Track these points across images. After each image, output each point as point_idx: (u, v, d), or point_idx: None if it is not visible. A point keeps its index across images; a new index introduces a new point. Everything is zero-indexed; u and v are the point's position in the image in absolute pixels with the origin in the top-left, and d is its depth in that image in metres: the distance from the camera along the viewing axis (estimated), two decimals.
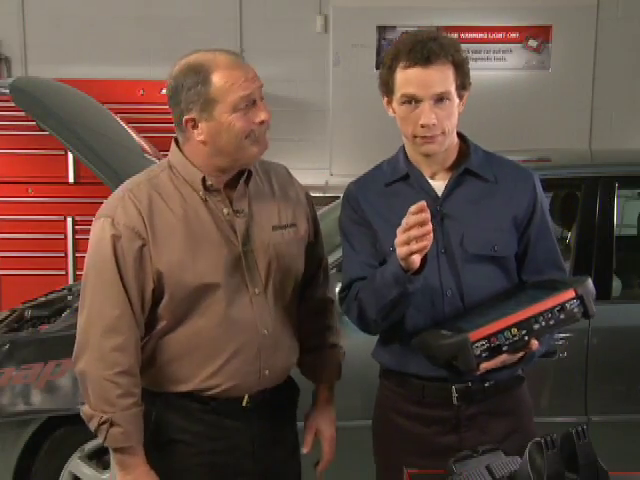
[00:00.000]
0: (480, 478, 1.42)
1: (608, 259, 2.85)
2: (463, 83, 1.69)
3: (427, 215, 1.50)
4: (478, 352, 1.58)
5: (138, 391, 1.63)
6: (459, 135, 1.79)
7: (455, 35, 7.02)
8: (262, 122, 1.61)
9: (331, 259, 2.62)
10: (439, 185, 1.75)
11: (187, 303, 1.63)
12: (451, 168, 1.76)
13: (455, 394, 1.73)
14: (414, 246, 1.50)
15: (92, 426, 1.62)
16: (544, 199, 1.81)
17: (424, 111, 1.64)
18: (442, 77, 1.64)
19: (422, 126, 1.65)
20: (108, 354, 1.58)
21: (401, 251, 1.53)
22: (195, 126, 1.61)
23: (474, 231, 1.72)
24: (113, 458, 1.71)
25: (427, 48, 1.62)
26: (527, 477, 1.33)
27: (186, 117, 1.61)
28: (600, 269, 2.83)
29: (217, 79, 1.57)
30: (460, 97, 1.70)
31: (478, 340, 1.58)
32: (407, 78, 1.65)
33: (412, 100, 1.66)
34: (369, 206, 1.79)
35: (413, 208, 1.51)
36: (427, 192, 1.74)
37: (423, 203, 1.50)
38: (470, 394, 1.73)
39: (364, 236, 1.79)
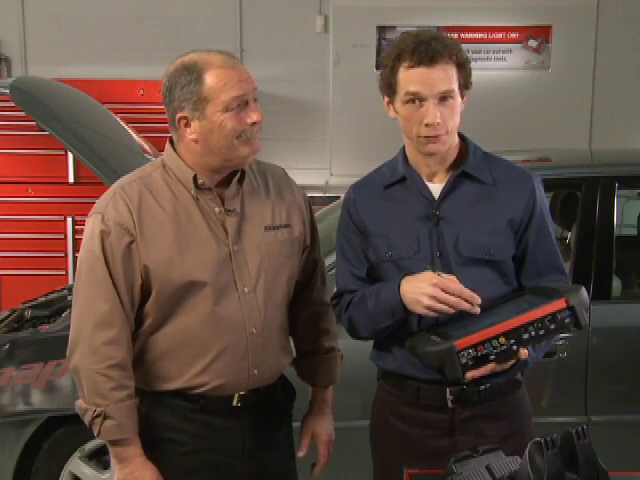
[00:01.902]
0: (480, 478, 1.42)
1: (608, 259, 2.84)
2: (466, 82, 1.69)
3: (469, 307, 1.59)
4: (464, 360, 1.57)
5: (131, 384, 1.64)
6: (460, 135, 1.78)
7: (455, 35, 7.03)
8: (254, 123, 1.62)
9: (331, 259, 2.62)
10: (437, 187, 1.75)
11: (174, 300, 1.64)
12: (450, 169, 1.75)
13: (450, 396, 1.73)
14: (432, 314, 1.61)
15: (86, 419, 1.63)
16: (544, 202, 1.79)
17: (429, 110, 1.64)
18: (446, 76, 1.63)
19: (427, 125, 1.65)
20: (99, 348, 1.60)
21: (419, 310, 1.62)
22: (187, 124, 1.63)
23: (469, 234, 1.71)
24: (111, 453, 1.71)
25: (431, 48, 1.62)
26: (527, 477, 1.32)
27: (179, 115, 1.62)
28: (600, 269, 2.82)
29: (210, 78, 1.59)
30: (462, 96, 1.70)
31: (465, 348, 1.57)
32: (411, 78, 1.65)
33: (416, 99, 1.65)
34: (366, 211, 1.79)
35: (467, 293, 1.57)
36: (424, 195, 1.74)
37: (478, 300, 1.59)
38: (465, 397, 1.73)
39: (356, 243, 1.81)
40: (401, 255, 1.73)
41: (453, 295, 1.58)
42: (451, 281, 1.60)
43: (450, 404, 1.73)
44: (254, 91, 1.63)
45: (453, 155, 1.75)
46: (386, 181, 1.79)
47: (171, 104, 1.63)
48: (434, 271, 1.66)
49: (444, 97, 1.64)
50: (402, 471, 1.58)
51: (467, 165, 1.73)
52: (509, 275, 1.76)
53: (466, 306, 1.58)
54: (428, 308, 1.59)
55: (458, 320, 1.67)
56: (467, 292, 1.59)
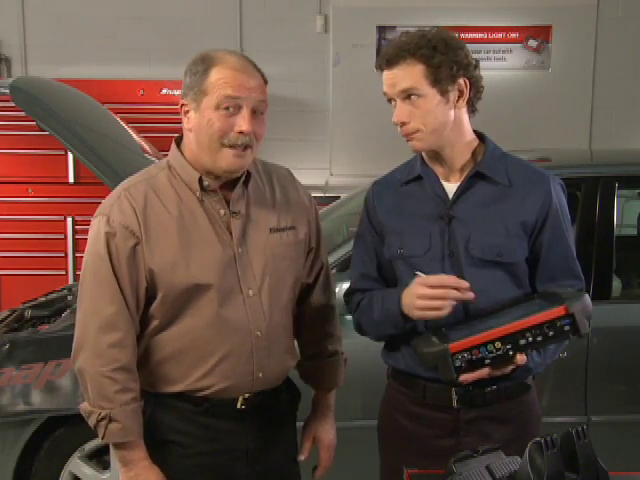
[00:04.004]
0: (480, 478, 1.41)
1: (608, 259, 2.84)
2: (437, 79, 1.65)
3: (454, 293, 1.58)
4: (459, 363, 1.57)
5: (136, 386, 1.63)
6: (478, 135, 1.78)
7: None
8: (240, 132, 1.58)
9: (331, 259, 2.63)
10: (452, 187, 1.74)
11: (179, 303, 1.63)
12: (466, 169, 1.74)
13: (455, 396, 1.73)
14: (430, 314, 1.60)
15: (91, 422, 1.62)
16: (563, 205, 1.76)
17: (396, 109, 1.69)
18: (405, 74, 1.65)
19: (395, 124, 1.69)
20: (105, 350, 1.59)
21: (416, 314, 1.63)
22: (187, 113, 1.63)
23: (480, 235, 1.70)
24: (114, 456, 1.71)
25: (392, 50, 1.67)
26: (527, 477, 1.32)
27: (181, 101, 1.64)
28: (600, 269, 2.82)
29: (214, 73, 1.58)
30: (443, 93, 1.67)
31: (459, 352, 1.57)
32: (384, 80, 1.70)
33: (391, 100, 1.70)
34: (383, 208, 1.81)
35: (450, 281, 1.59)
36: (438, 194, 1.74)
37: (464, 284, 1.59)
38: (470, 398, 1.72)
39: (370, 241, 1.83)
40: (412, 253, 1.73)
41: (439, 288, 1.59)
42: (432, 276, 1.61)
43: (455, 404, 1.73)
44: (257, 102, 1.60)
45: (463, 156, 1.74)
46: (404, 178, 1.81)
47: (182, 89, 1.65)
48: (443, 270, 1.69)
49: (408, 96, 1.66)
50: (411, 467, 1.58)
51: (482, 165, 1.72)
52: (522, 278, 1.74)
53: (455, 294, 1.59)
54: (422, 308, 1.60)
55: (464, 322, 1.67)
56: (450, 279, 1.59)
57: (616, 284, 2.96)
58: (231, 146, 1.59)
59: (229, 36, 6.43)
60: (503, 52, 6.60)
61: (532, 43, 6.60)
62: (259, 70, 1.64)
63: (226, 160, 1.60)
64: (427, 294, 1.59)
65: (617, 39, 6.53)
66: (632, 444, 2.79)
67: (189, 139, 1.66)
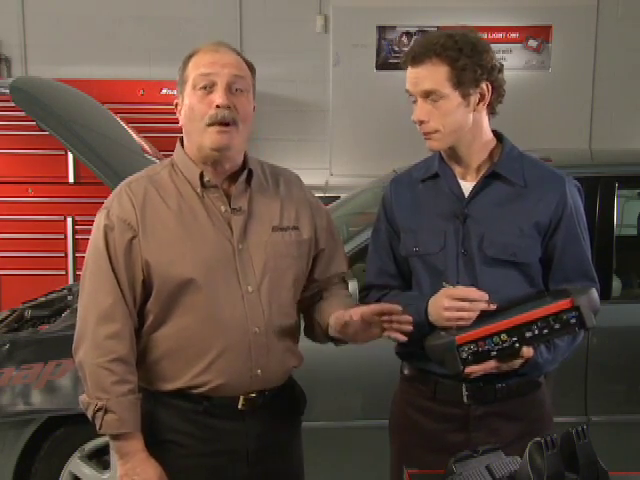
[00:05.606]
0: (480, 478, 1.41)
1: (608, 259, 2.84)
2: (460, 81, 1.67)
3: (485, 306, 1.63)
4: (465, 355, 1.59)
5: (134, 379, 1.64)
6: (496, 134, 1.79)
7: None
8: (217, 106, 1.59)
9: None
10: (468, 186, 1.75)
11: (174, 298, 1.63)
12: (483, 168, 1.76)
13: (465, 392, 1.73)
14: (457, 323, 1.63)
15: (89, 413, 1.63)
16: (578, 207, 1.75)
17: (416, 107, 1.70)
18: (428, 75, 1.67)
19: (414, 121, 1.70)
20: (102, 342, 1.60)
21: (444, 323, 1.65)
22: (180, 110, 1.67)
23: (494, 234, 1.71)
24: (114, 456, 1.71)
25: (418, 47, 1.68)
26: (527, 477, 1.32)
27: (175, 100, 1.69)
28: (600, 269, 2.80)
29: (192, 61, 1.64)
30: (464, 96, 1.69)
31: (465, 343, 1.59)
32: (407, 77, 1.71)
33: (411, 96, 1.71)
34: (400, 206, 1.82)
35: (474, 294, 1.62)
36: (454, 193, 1.75)
37: (486, 296, 1.62)
38: (481, 394, 1.73)
39: (387, 237, 1.84)
40: (428, 251, 1.75)
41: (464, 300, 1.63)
42: (458, 289, 1.65)
43: (465, 400, 1.74)
44: (232, 77, 1.62)
45: (479, 155, 1.75)
46: (421, 176, 1.82)
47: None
48: (457, 268, 1.71)
49: (428, 95, 1.67)
50: (421, 461, 1.61)
51: (498, 166, 1.74)
52: (535, 278, 1.74)
53: (482, 306, 1.62)
54: (449, 319, 1.63)
55: (476, 317, 1.68)
56: (474, 294, 1.62)
57: (616, 284, 2.96)
58: (212, 124, 1.61)
59: (229, 36, 6.42)
60: (503, 52, 6.60)
61: (532, 43, 6.61)
62: (240, 55, 1.69)
63: (210, 137, 1.62)
64: (453, 306, 1.63)
65: (617, 39, 6.54)
66: (632, 444, 2.78)
67: (185, 136, 1.69)
